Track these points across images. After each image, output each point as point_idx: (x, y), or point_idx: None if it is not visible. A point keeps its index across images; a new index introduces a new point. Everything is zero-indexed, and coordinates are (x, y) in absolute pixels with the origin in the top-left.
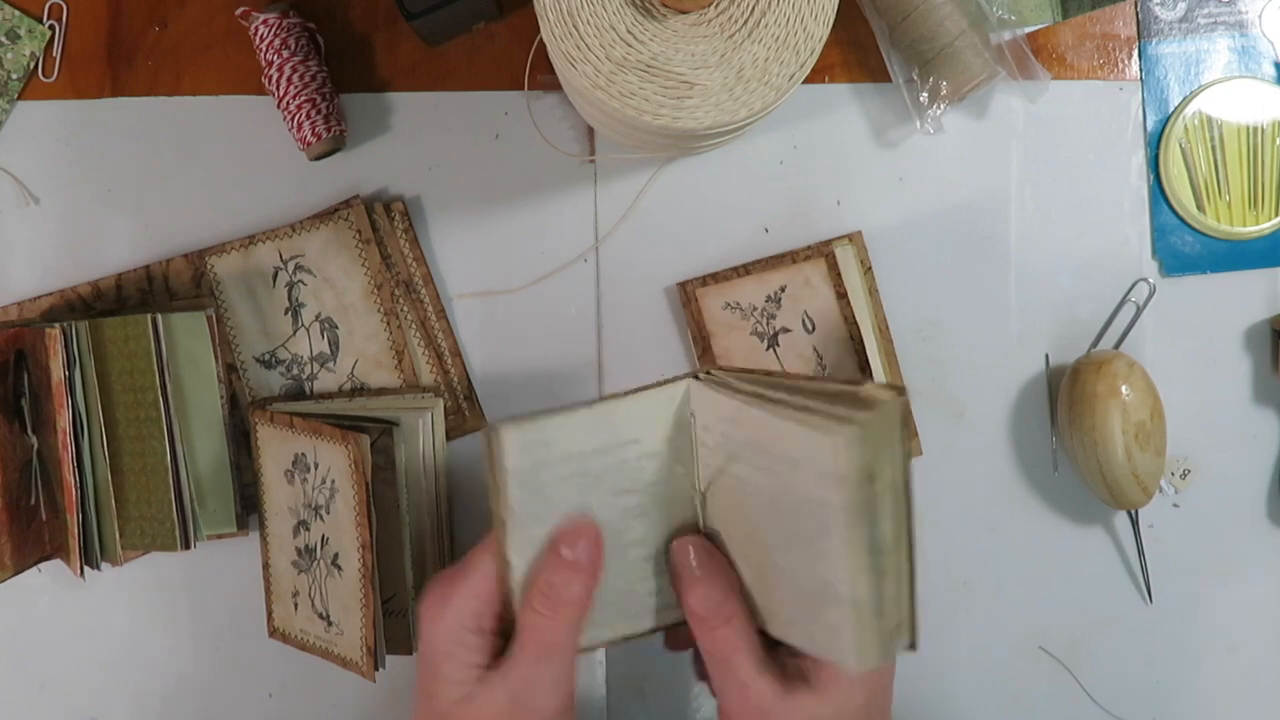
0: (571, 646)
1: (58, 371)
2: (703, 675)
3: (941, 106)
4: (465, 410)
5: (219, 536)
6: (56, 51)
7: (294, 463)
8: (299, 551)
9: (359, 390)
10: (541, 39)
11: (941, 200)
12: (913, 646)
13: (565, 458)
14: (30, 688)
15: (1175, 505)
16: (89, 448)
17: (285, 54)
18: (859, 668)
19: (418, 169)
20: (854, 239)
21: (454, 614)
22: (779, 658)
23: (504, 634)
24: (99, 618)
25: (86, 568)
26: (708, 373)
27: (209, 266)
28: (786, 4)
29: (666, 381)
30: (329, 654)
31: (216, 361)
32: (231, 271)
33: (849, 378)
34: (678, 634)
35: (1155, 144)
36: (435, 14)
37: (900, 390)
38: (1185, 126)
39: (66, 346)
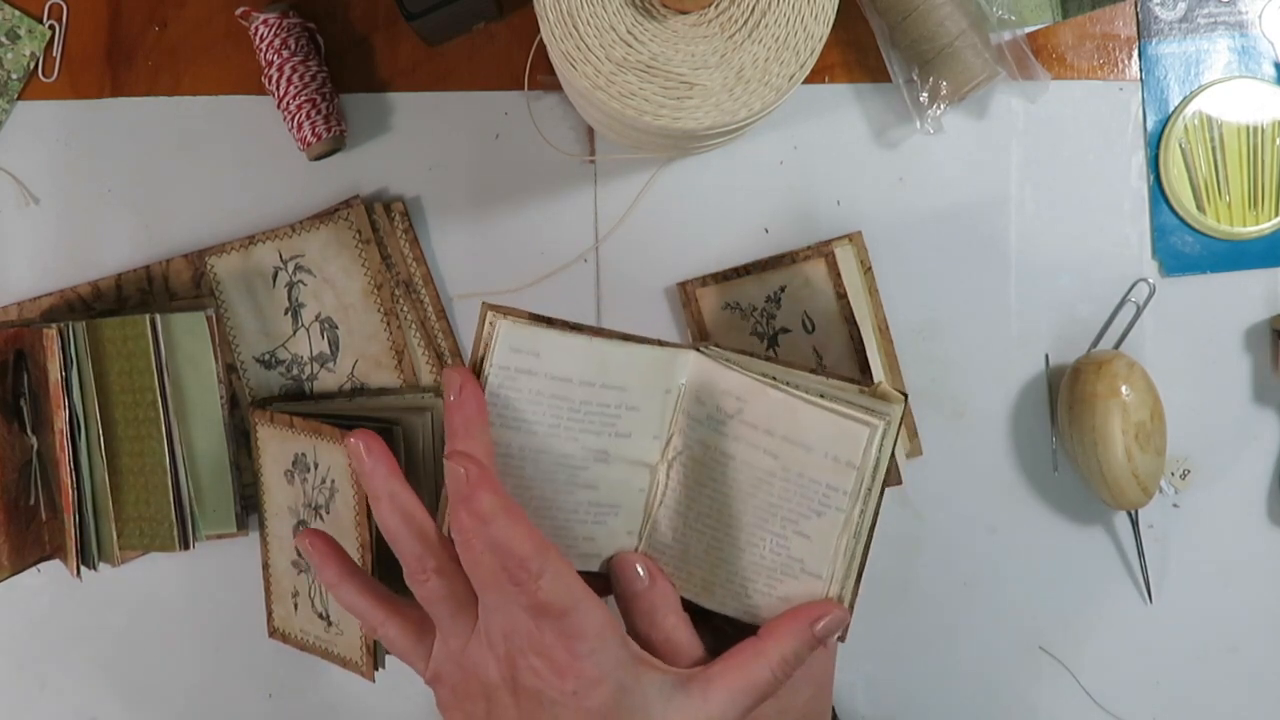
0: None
1: (55, 372)
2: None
3: (941, 106)
4: None
5: (219, 536)
6: (56, 51)
7: (294, 463)
8: (299, 551)
9: (359, 390)
10: (541, 39)
11: (941, 200)
12: (842, 638)
13: (550, 376)
14: (30, 688)
15: (1175, 505)
16: (86, 448)
17: (285, 54)
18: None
19: (418, 169)
20: (854, 239)
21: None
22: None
23: None
24: (99, 618)
25: (84, 568)
26: (706, 347)
27: (209, 266)
28: (786, 4)
29: (669, 344)
30: (329, 654)
31: (216, 361)
32: (231, 271)
33: (851, 375)
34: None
35: (1155, 144)
36: (435, 14)
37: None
38: (1185, 126)
39: (63, 347)
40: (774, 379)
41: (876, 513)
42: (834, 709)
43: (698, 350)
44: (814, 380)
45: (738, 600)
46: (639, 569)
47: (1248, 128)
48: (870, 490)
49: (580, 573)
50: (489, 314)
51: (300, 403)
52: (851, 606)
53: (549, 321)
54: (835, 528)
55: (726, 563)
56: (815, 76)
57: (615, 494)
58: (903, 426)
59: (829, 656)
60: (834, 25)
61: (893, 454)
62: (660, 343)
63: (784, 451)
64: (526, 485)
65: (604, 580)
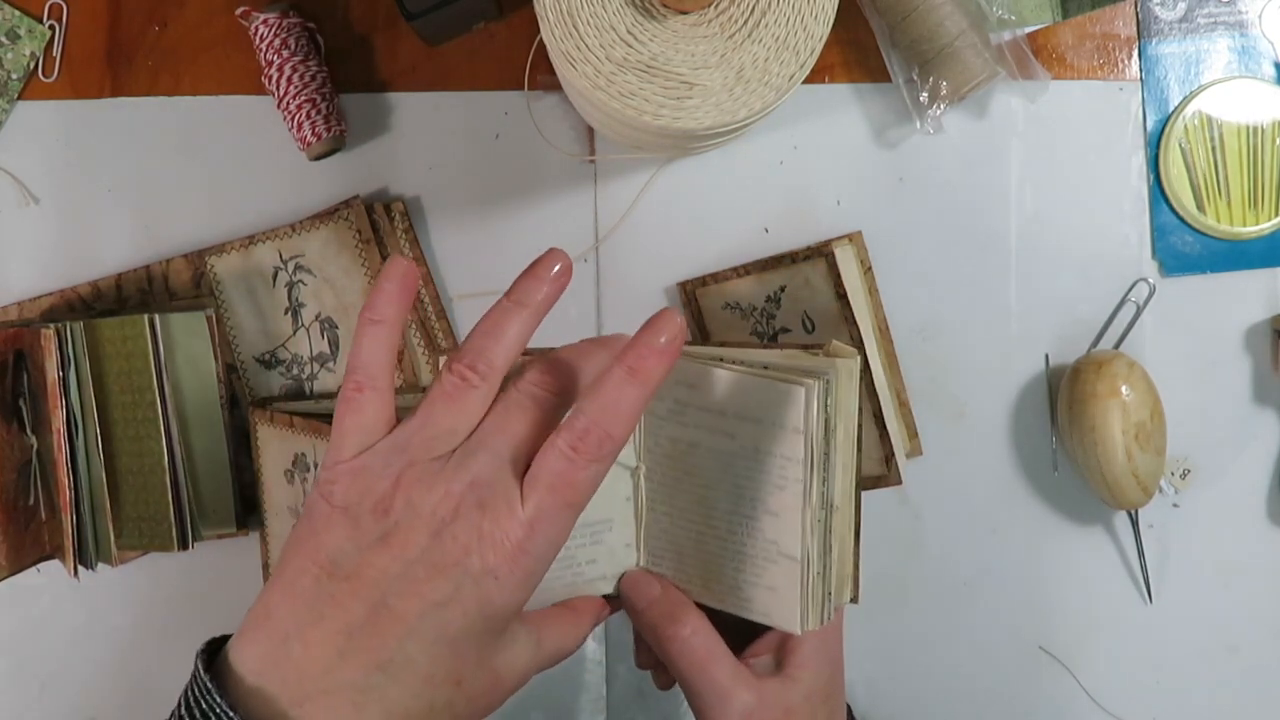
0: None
1: (52, 372)
2: (646, 665)
3: (941, 106)
4: None
5: (218, 536)
6: (56, 51)
7: (294, 463)
8: None
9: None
10: (541, 39)
11: (941, 200)
12: (855, 599)
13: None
14: (30, 688)
15: (1175, 505)
16: (84, 448)
17: (285, 54)
18: (800, 629)
19: (418, 169)
20: (854, 239)
21: (532, 580)
22: (742, 658)
23: None
24: (99, 618)
25: (82, 568)
26: None
27: (209, 266)
28: (786, 4)
29: None
30: None
31: (216, 361)
32: (231, 271)
33: (808, 342)
34: (659, 674)
35: (1155, 144)
36: (435, 14)
37: (860, 350)
38: (1185, 126)
39: (61, 347)
40: (720, 359)
41: (855, 480)
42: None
43: None
44: (763, 353)
45: (734, 595)
46: (648, 589)
47: (1248, 128)
48: (827, 456)
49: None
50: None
51: (300, 403)
52: (856, 579)
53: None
54: (797, 499)
55: (714, 556)
56: (815, 76)
57: (604, 508)
58: (903, 426)
59: (838, 634)
60: (834, 25)
61: (858, 419)
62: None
63: (738, 429)
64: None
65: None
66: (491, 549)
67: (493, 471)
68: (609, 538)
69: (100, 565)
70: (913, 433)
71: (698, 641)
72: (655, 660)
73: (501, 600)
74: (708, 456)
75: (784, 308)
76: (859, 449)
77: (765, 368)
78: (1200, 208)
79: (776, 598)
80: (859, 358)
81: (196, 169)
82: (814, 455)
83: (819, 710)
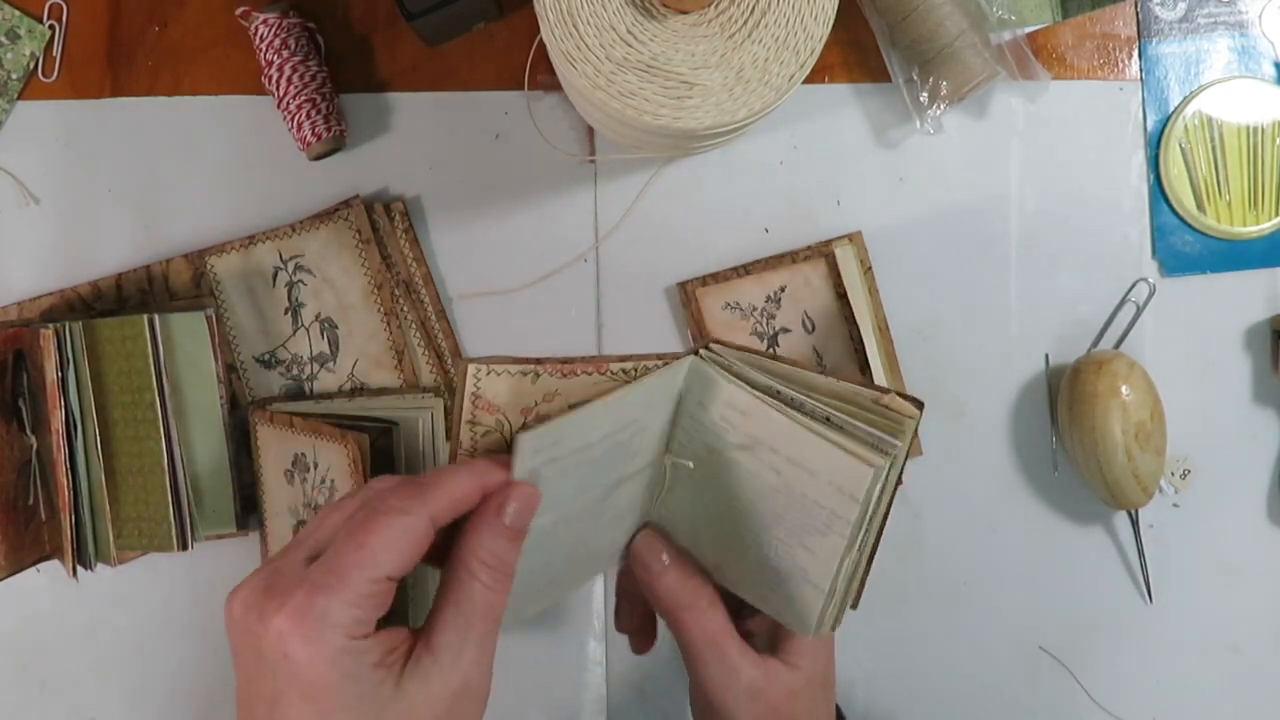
0: (501, 618)
1: (51, 372)
2: (625, 629)
3: (941, 106)
4: None
5: (218, 536)
6: (56, 51)
7: (294, 463)
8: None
9: (359, 390)
10: (541, 39)
11: (941, 200)
12: (854, 606)
13: (573, 450)
14: (30, 688)
15: (1175, 505)
16: (83, 448)
17: (285, 54)
18: (815, 636)
19: (418, 169)
20: (854, 239)
21: (337, 629)
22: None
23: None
24: (99, 618)
25: (81, 568)
26: (707, 348)
27: (209, 266)
28: (786, 4)
29: (668, 358)
30: None
31: (216, 361)
32: (231, 271)
33: (867, 383)
34: (638, 638)
35: (1155, 144)
36: (435, 14)
37: (920, 404)
38: (1185, 126)
39: (60, 347)
40: (778, 392)
41: (882, 528)
42: (839, 707)
43: (698, 355)
44: (822, 383)
45: (748, 589)
46: (662, 555)
47: (1248, 128)
48: (874, 515)
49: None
50: (471, 383)
51: (300, 403)
52: (860, 593)
53: (536, 363)
54: (839, 548)
55: (733, 553)
56: (815, 76)
57: (633, 501)
58: None
59: (829, 651)
60: (834, 25)
61: (899, 473)
62: (661, 359)
63: (788, 471)
64: (560, 541)
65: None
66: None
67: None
68: (630, 518)
69: (100, 565)
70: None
71: (714, 614)
72: (637, 625)
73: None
74: (747, 477)
75: (784, 308)
76: (891, 501)
77: (828, 420)
78: (1200, 208)
79: (794, 607)
80: (919, 416)
81: (196, 169)
82: (866, 519)
83: (818, 696)
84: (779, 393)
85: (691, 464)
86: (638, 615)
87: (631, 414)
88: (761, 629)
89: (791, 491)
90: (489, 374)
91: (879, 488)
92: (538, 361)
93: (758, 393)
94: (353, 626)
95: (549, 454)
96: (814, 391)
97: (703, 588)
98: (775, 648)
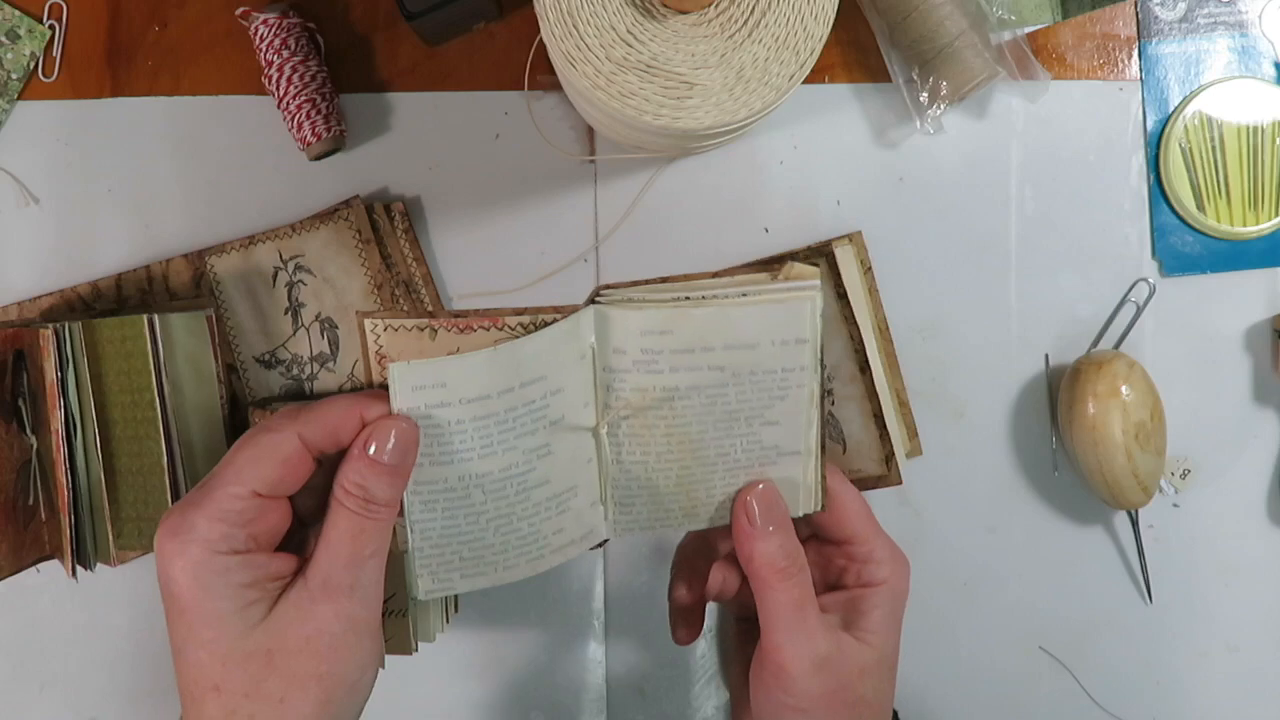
0: (383, 555)
1: (50, 372)
2: (681, 603)
3: (941, 106)
4: None
5: None
6: (56, 51)
7: None
8: None
9: (359, 390)
10: (541, 39)
11: (941, 200)
12: (822, 507)
13: (465, 400)
14: (30, 688)
15: (1175, 505)
16: (83, 448)
17: (285, 54)
18: (815, 509)
19: (418, 169)
20: (854, 239)
21: (200, 542)
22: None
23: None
24: (99, 618)
25: (80, 568)
26: (599, 294)
27: (209, 266)
28: (786, 4)
29: (565, 310)
30: None
31: (216, 361)
32: (231, 271)
33: (758, 264)
34: (685, 622)
35: (1155, 144)
36: (435, 14)
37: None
38: (1185, 126)
39: (59, 347)
40: (687, 298)
41: (823, 381)
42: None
43: (594, 303)
44: (723, 284)
45: (724, 510)
46: (772, 517)
47: (1248, 128)
48: (819, 356)
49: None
50: (371, 340)
51: (300, 403)
52: (821, 475)
53: (430, 316)
54: (801, 403)
55: (702, 483)
56: (815, 76)
57: (568, 476)
58: (903, 426)
59: (901, 611)
60: (834, 25)
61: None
62: (557, 310)
63: (727, 358)
64: (479, 510)
65: None
66: None
67: None
68: (575, 503)
69: (99, 566)
70: (913, 433)
71: (804, 580)
72: (691, 602)
73: None
74: (689, 395)
75: None
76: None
77: (744, 295)
78: (1200, 208)
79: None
80: (818, 275)
81: (196, 169)
82: (818, 359)
83: (885, 677)
84: (686, 297)
85: (626, 418)
86: (695, 591)
87: (532, 369)
88: (836, 606)
89: (739, 377)
90: (386, 330)
91: (818, 321)
92: (431, 315)
93: (667, 303)
94: (217, 541)
95: (435, 396)
96: (718, 287)
97: (800, 554)
98: (850, 625)
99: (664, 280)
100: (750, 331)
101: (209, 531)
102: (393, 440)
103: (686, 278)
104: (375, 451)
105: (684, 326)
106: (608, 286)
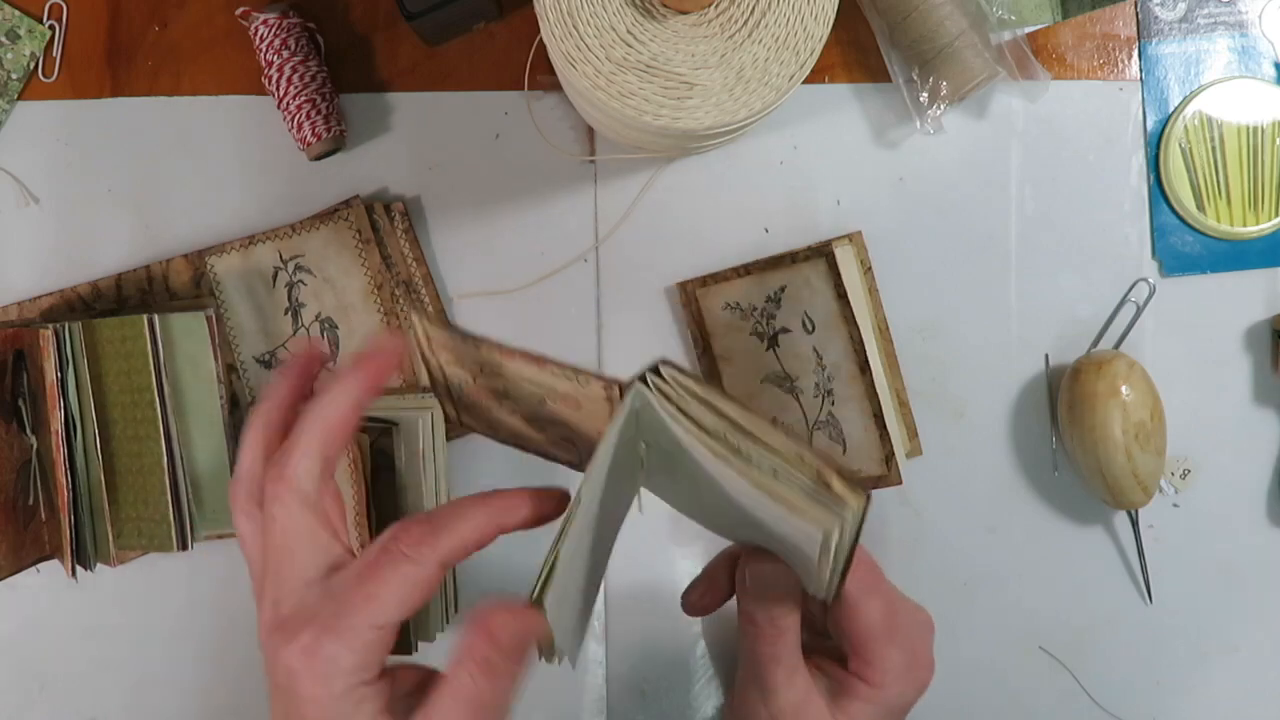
0: (502, 704)
1: (50, 372)
2: (697, 611)
3: (941, 106)
4: None
5: (218, 536)
6: (56, 51)
7: None
8: None
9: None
10: (541, 39)
11: (941, 200)
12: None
13: (570, 570)
14: (30, 688)
15: (1175, 505)
16: (82, 448)
17: (285, 54)
18: (823, 597)
19: (418, 169)
20: (854, 239)
21: (343, 675)
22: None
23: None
24: (99, 618)
25: (80, 568)
26: (656, 371)
27: (209, 266)
28: (786, 4)
29: (609, 382)
30: None
31: (216, 362)
32: (231, 271)
33: (816, 455)
34: (699, 596)
35: (1155, 144)
36: (435, 14)
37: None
38: (1185, 127)
39: (59, 348)
40: (726, 439)
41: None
42: None
43: (645, 384)
44: (771, 437)
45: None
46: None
47: (1248, 128)
48: (841, 545)
49: None
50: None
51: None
52: (839, 576)
53: (549, 557)
54: (813, 558)
55: (724, 516)
56: (815, 76)
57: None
58: (903, 426)
59: (928, 648)
60: (834, 25)
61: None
62: (602, 380)
63: (750, 494)
64: (573, 578)
65: None
66: None
67: None
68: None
69: (99, 566)
70: (913, 433)
71: (788, 636)
72: (709, 608)
73: None
74: (718, 475)
75: (784, 308)
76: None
77: (775, 474)
78: (1200, 208)
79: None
80: (865, 500)
81: (196, 169)
82: (833, 549)
83: None
84: (727, 439)
85: (658, 451)
86: (715, 599)
87: (595, 489)
88: (826, 673)
89: (751, 513)
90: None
91: (834, 546)
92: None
93: (708, 440)
94: (359, 672)
95: (557, 594)
96: (761, 444)
97: (795, 606)
98: (832, 697)
99: (721, 392)
100: (763, 512)
101: (350, 663)
102: (523, 634)
103: (742, 407)
104: (505, 642)
105: (713, 466)
106: (667, 363)
